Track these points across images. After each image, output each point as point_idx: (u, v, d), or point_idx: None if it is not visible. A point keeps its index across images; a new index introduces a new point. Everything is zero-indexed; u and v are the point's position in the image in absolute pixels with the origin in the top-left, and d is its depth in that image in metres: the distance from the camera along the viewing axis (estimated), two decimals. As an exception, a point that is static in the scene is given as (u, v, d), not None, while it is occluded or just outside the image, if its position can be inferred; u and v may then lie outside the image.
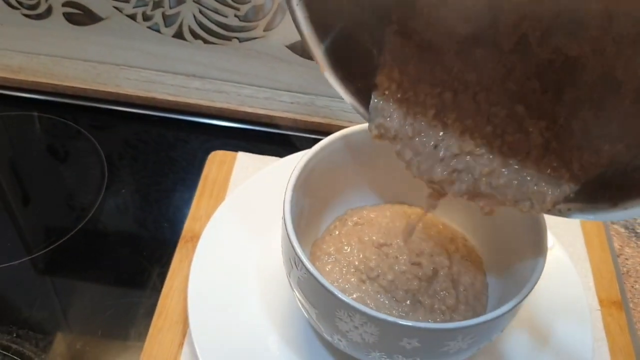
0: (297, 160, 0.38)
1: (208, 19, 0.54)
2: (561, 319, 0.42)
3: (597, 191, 0.30)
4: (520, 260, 0.37)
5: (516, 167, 0.31)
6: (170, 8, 0.54)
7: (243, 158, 0.51)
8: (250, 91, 0.58)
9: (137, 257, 0.47)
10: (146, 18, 0.55)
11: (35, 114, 0.57)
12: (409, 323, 0.31)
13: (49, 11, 0.55)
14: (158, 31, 0.56)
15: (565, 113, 0.31)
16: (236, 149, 0.53)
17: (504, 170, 0.32)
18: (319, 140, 0.57)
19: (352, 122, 0.52)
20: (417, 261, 0.39)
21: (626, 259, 0.50)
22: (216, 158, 0.51)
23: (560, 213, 0.31)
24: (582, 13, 0.29)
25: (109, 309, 0.44)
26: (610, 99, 0.30)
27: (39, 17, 0.56)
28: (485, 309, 0.38)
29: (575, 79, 0.31)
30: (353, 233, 0.42)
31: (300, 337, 0.40)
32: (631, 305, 0.46)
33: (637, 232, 0.52)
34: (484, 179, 0.32)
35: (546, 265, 0.34)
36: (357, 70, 0.34)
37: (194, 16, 0.54)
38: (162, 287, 0.43)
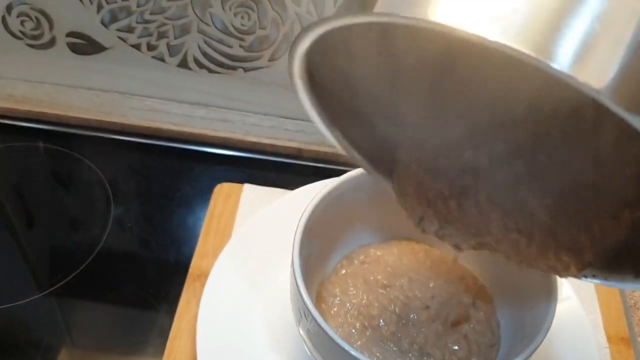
0: (303, 194, 0.38)
1: (213, 49, 0.54)
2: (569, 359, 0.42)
3: (622, 259, 0.30)
4: (531, 300, 0.37)
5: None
6: (175, 38, 0.54)
7: (249, 190, 0.51)
8: (255, 119, 0.58)
9: (144, 294, 0.46)
10: (150, 48, 0.55)
11: (40, 144, 0.57)
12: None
13: (52, 41, 0.55)
14: (162, 60, 0.55)
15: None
16: (241, 176, 0.53)
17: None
18: (324, 169, 0.58)
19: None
20: (426, 305, 0.38)
21: (633, 291, 0.50)
22: (222, 191, 0.51)
23: (585, 279, 0.31)
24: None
25: (117, 348, 0.44)
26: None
27: (42, 46, 0.56)
28: (496, 355, 0.38)
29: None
30: (359, 273, 0.42)
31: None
32: (639, 339, 0.46)
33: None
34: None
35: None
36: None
37: (199, 46, 0.54)
38: (169, 327, 0.43)
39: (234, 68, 0.55)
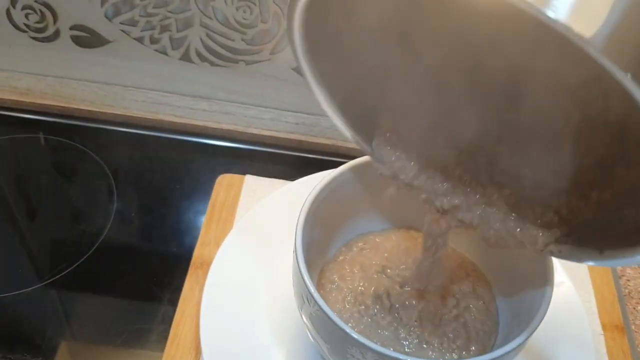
0: (303, 185, 0.38)
1: (215, 43, 0.55)
2: (564, 345, 0.42)
3: (588, 237, 0.31)
4: (527, 285, 0.38)
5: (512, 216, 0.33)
6: (177, 32, 0.54)
7: (251, 181, 0.52)
8: (255, 112, 0.59)
9: (147, 282, 0.47)
10: (153, 41, 0.55)
11: (43, 135, 0.58)
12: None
13: (56, 34, 0.56)
14: (165, 54, 0.56)
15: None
16: (242, 168, 0.53)
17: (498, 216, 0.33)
18: (324, 161, 0.58)
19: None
20: (424, 291, 0.39)
21: (628, 280, 0.51)
22: (224, 181, 0.52)
23: (551, 254, 0.32)
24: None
25: (121, 335, 0.44)
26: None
27: (46, 39, 0.56)
28: (495, 341, 0.39)
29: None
30: (357, 259, 0.42)
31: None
32: (633, 327, 0.47)
33: (638, 253, 0.53)
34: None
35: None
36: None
37: (201, 40, 0.55)
38: (173, 314, 0.44)
39: (235, 61, 0.56)
